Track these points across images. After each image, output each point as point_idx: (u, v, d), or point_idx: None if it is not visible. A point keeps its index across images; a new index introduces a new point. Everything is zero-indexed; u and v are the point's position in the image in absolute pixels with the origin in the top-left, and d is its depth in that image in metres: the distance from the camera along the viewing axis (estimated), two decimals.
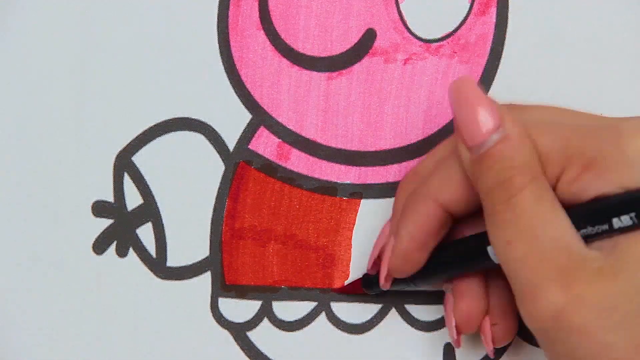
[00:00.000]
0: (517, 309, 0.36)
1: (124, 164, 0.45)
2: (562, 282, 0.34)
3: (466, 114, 0.36)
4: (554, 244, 0.34)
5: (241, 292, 0.45)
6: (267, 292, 0.45)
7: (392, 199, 0.44)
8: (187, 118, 0.45)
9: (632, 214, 0.34)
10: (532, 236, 0.34)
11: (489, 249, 0.37)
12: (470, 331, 0.41)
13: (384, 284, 0.41)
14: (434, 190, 0.39)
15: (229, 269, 0.45)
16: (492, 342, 0.41)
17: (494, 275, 0.40)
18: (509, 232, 0.35)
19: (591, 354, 0.33)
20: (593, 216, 0.35)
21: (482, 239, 0.37)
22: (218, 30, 0.45)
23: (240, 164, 0.45)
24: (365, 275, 0.44)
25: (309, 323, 0.45)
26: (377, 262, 0.42)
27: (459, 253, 0.40)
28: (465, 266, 0.40)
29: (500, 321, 0.41)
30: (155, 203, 0.45)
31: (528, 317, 0.35)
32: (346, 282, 0.44)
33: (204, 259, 0.45)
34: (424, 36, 0.45)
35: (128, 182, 0.45)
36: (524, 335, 0.44)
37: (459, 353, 0.45)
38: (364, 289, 0.44)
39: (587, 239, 0.35)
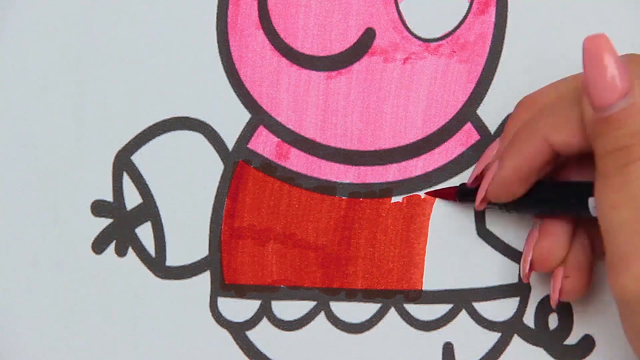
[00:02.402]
0: (592, 268, 0.36)
1: (123, 163, 0.45)
2: None
3: (597, 74, 0.35)
4: None
5: (240, 291, 0.45)
6: (266, 292, 0.45)
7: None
8: (186, 117, 0.45)
9: None
10: (639, 205, 0.34)
11: (590, 200, 0.37)
12: (542, 270, 0.41)
13: (478, 205, 0.42)
14: (547, 127, 0.39)
15: (228, 268, 0.45)
16: (560, 293, 0.41)
17: (582, 229, 0.40)
18: (617, 196, 0.35)
19: None
20: None
21: (586, 189, 0.37)
22: (217, 30, 0.45)
23: (240, 163, 0.45)
24: (462, 186, 0.44)
25: (308, 322, 0.45)
26: (478, 177, 0.42)
27: (560, 195, 0.40)
28: (561, 209, 0.40)
29: (573, 274, 0.41)
30: (155, 202, 0.45)
31: (615, 284, 0.35)
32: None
33: (203, 259, 0.45)
34: (423, 35, 0.45)
35: (127, 182, 0.45)
36: (524, 335, 0.44)
37: (458, 353, 0.45)
38: (457, 198, 0.44)
39: None
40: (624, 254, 0.35)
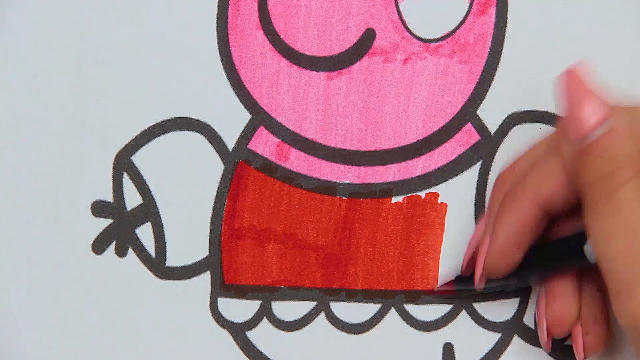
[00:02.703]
0: (609, 316, 0.36)
1: (123, 163, 0.45)
2: None
3: (572, 106, 0.36)
4: None
5: (240, 291, 0.45)
6: (266, 292, 0.45)
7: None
8: (187, 118, 0.45)
9: None
10: (632, 231, 0.34)
11: (586, 248, 0.37)
12: (561, 334, 0.41)
13: (478, 283, 0.41)
14: (532, 187, 0.39)
15: (228, 268, 0.45)
16: (584, 351, 0.40)
17: (587, 282, 0.40)
18: (608, 226, 0.35)
19: None
20: None
21: (579, 238, 0.37)
22: (217, 30, 0.45)
23: (240, 164, 0.45)
24: (458, 277, 0.44)
25: (308, 323, 0.45)
26: (471, 262, 0.42)
27: (556, 252, 0.40)
28: (561, 265, 0.40)
29: (592, 330, 0.40)
30: (155, 203, 0.45)
31: (621, 314, 0.35)
32: (437, 285, 0.44)
33: (203, 259, 0.45)
34: (423, 36, 0.45)
35: (127, 182, 0.45)
36: (524, 335, 0.44)
37: (458, 353, 0.45)
38: (456, 290, 0.44)
39: None
40: (625, 281, 0.34)
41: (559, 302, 0.40)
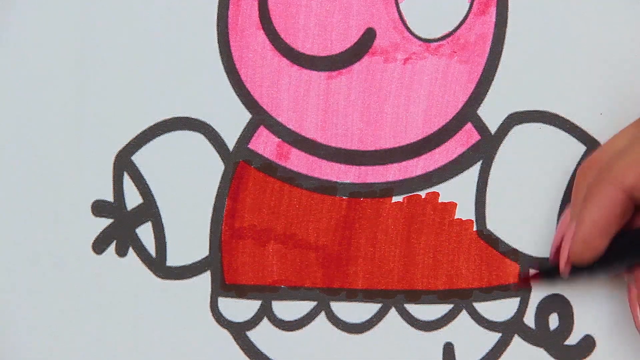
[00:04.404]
0: None
1: (123, 163, 0.45)
2: None
3: None
4: None
5: (241, 291, 0.45)
6: (266, 292, 0.45)
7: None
8: (187, 117, 0.45)
9: None
10: None
11: None
12: None
13: (564, 268, 0.41)
14: (619, 174, 0.39)
15: (228, 268, 0.45)
16: None
17: None
18: None
19: None
20: None
21: None
22: (218, 30, 0.45)
23: (240, 164, 0.45)
24: (543, 264, 0.43)
25: (308, 323, 0.45)
26: (558, 249, 0.42)
27: None
28: None
29: None
30: (155, 202, 0.45)
31: None
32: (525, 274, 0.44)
33: (203, 259, 0.45)
34: (423, 36, 0.45)
35: (128, 182, 0.45)
36: (525, 335, 0.44)
37: (459, 353, 0.45)
38: (543, 279, 0.43)
39: None
40: None
41: None
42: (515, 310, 0.44)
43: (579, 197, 0.41)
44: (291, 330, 0.45)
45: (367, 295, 0.45)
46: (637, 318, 0.41)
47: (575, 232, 0.40)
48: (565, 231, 0.41)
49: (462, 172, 0.45)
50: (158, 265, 0.45)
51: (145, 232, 0.45)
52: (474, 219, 0.45)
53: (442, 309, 0.45)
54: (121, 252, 0.45)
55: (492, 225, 0.44)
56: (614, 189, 0.39)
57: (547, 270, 0.43)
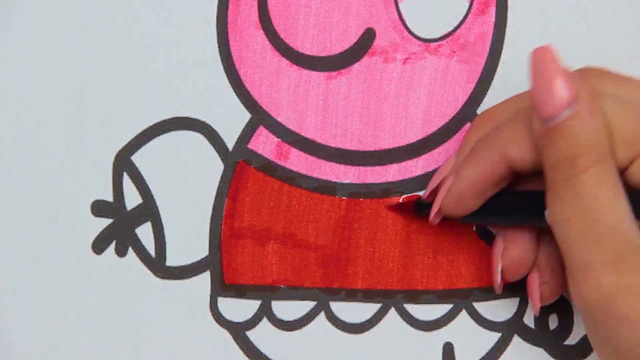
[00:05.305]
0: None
1: (123, 163, 0.45)
2: (614, 268, 0.34)
3: (541, 84, 0.36)
4: (610, 229, 0.34)
5: (240, 291, 0.45)
6: (266, 292, 0.45)
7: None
8: (186, 117, 0.45)
9: None
10: (590, 218, 0.34)
11: (546, 213, 0.37)
12: (513, 279, 0.41)
13: (433, 218, 0.42)
14: (503, 142, 0.38)
15: (228, 268, 0.45)
16: (540, 299, 0.41)
17: (547, 231, 0.39)
18: (568, 210, 0.35)
19: (635, 343, 0.34)
20: None
21: (542, 199, 0.37)
22: (217, 30, 0.45)
23: (240, 164, 0.45)
24: (419, 200, 0.44)
25: (308, 322, 0.45)
26: (434, 191, 0.42)
27: (516, 206, 0.40)
28: (519, 220, 0.40)
29: (549, 279, 0.40)
30: (155, 202, 0.45)
31: (577, 295, 0.35)
32: (401, 199, 0.44)
33: (203, 259, 0.45)
34: (423, 36, 0.45)
35: (127, 182, 0.45)
36: (524, 335, 0.44)
37: (458, 353, 0.45)
38: (415, 210, 0.44)
39: None
40: (580, 265, 0.35)
41: (516, 250, 0.40)
42: (515, 310, 0.44)
43: (465, 148, 0.41)
44: (291, 330, 0.45)
45: (366, 295, 0.45)
46: (496, 273, 0.41)
47: (450, 187, 0.40)
48: (445, 177, 0.41)
49: None
50: (158, 265, 0.45)
51: (144, 232, 0.45)
52: None
53: (441, 309, 0.45)
54: (121, 252, 0.45)
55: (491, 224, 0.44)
56: (497, 156, 0.38)
57: (422, 205, 0.43)
